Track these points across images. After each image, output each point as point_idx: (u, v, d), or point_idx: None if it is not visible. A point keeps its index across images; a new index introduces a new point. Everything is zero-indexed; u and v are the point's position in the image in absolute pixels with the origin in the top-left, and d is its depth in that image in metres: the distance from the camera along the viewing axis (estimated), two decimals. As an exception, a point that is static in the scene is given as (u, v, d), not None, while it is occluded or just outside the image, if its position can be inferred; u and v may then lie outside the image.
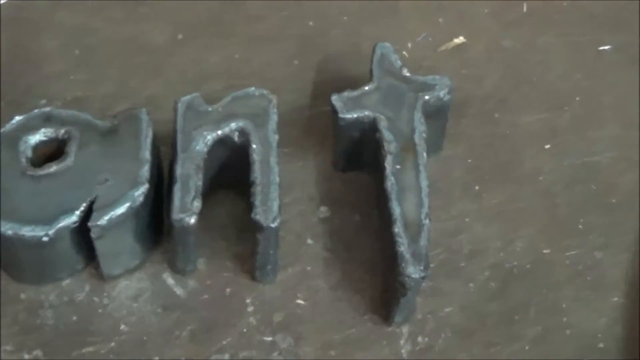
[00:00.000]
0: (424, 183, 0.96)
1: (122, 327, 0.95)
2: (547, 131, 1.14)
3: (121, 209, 0.93)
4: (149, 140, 0.98)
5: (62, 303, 0.97)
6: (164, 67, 1.19)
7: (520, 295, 0.99)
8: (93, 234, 0.92)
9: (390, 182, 0.95)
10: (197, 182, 0.95)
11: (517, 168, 1.11)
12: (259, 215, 0.92)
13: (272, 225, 0.92)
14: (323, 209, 1.05)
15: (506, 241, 1.03)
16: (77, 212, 0.93)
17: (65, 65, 1.19)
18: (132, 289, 0.98)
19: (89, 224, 0.92)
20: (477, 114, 1.15)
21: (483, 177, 1.09)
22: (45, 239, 0.92)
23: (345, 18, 1.27)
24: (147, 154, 0.97)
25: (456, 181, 1.09)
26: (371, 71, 1.06)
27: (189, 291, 0.98)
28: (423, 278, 0.90)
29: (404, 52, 1.21)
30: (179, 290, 0.98)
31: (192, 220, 0.92)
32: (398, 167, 0.96)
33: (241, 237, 1.01)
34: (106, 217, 0.92)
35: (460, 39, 1.25)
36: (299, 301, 0.98)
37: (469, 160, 1.11)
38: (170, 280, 0.99)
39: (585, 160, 1.11)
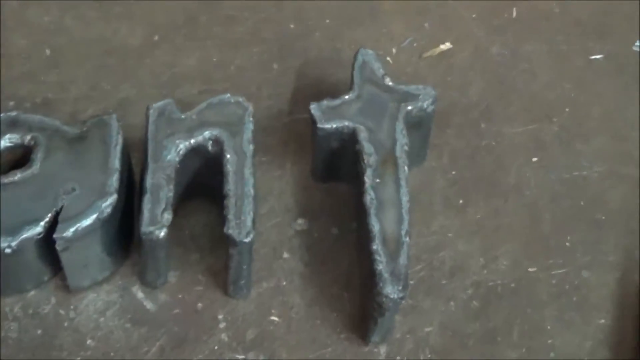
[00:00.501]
0: (405, 198, 0.92)
1: (89, 341, 0.92)
2: (533, 143, 1.11)
3: (88, 221, 0.89)
4: (118, 148, 0.94)
5: (27, 315, 0.93)
6: (137, 70, 1.16)
7: (503, 315, 0.96)
8: (58, 247, 0.89)
9: (369, 197, 0.92)
10: (168, 193, 0.92)
11: (502, 181, 1.07)
12: (232, 229, 0.89)
13: (246, 240, 0.89)
14: (300, 221, 1.02)
15: (489, 258, 1.00)
16: (42, 223, 0.89)
17: (35, 65, 1.15)
18: (100, 302, 0.95)
19: (54, 236, 0.88)
20: (462, 124, 1.12)
21: (467, 190, 1.06)
22: (7, 250, 0.88)
23: (327, 21, 1.23)
24: (116, 163, 0.93)
25: (438, 194, 1.06)
26: (352, 79, 1.02)
27: (160, 305, 0.95)
28: (401, 299, 0.87)
29: (388, 58, 1.18)
30: (148, 304, 0.95)
31: (162, 234, 0.89)
32: (378, 180, 0.93)
33: (214, 249, 0.98)
34: (72, 229, 0.88)
35: (446, 45, 1.22)
36: (273, 317, 0.95)
37: (453, 172, 1.08)
38: (139, 293, 0.95)
39: (573, 175, 1.08)
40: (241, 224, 0.89)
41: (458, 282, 0.98)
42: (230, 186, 0.92)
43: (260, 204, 0.99)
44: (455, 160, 1.09)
